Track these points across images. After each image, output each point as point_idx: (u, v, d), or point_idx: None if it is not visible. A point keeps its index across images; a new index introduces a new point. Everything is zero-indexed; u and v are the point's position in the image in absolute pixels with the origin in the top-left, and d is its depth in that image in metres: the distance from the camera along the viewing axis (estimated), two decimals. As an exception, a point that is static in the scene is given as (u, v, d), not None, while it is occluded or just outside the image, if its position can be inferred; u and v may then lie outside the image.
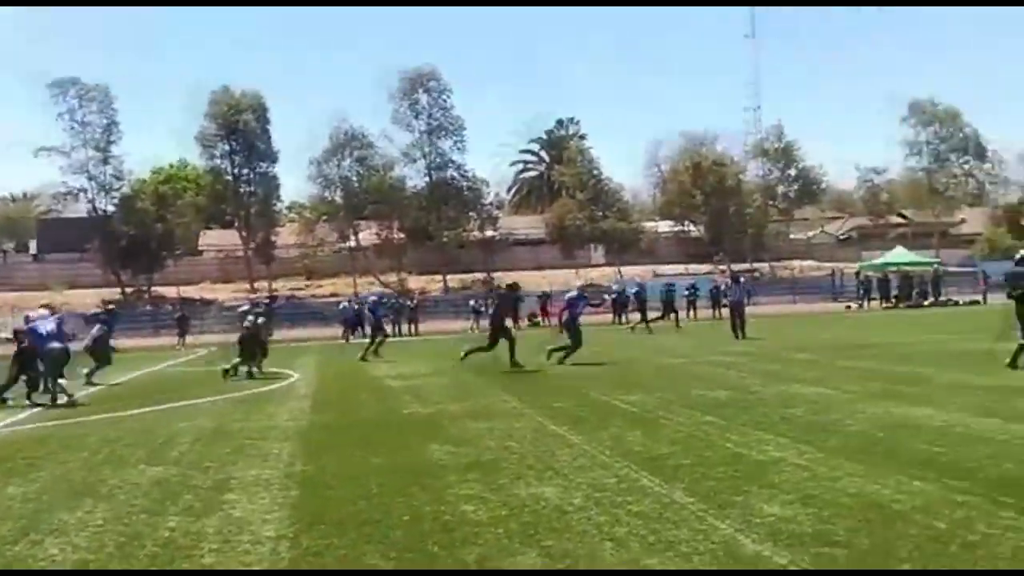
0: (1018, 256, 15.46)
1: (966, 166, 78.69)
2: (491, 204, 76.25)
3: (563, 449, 9.10)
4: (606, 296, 41.81)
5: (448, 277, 68.13)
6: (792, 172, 77.77)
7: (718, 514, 6.23)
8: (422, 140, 69.55)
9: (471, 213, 71.55)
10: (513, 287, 21.72)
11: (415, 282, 68.05)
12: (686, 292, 43.47)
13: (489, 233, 72.19)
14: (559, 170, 77.76)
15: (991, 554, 5.06)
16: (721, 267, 69.10)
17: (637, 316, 34.77)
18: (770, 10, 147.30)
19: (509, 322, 21.58)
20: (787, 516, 6.10)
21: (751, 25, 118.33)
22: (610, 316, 42.16)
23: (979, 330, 21.19)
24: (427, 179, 70.32)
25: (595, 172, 74.56)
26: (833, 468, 7.53)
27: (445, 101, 69.62)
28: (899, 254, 54.06)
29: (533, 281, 61.65)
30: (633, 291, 38.96)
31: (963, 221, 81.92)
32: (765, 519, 6.05)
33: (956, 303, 46.04)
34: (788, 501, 6.49)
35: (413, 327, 43.52)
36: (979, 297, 45.26)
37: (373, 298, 30.50)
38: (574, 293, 21.62)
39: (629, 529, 5.96)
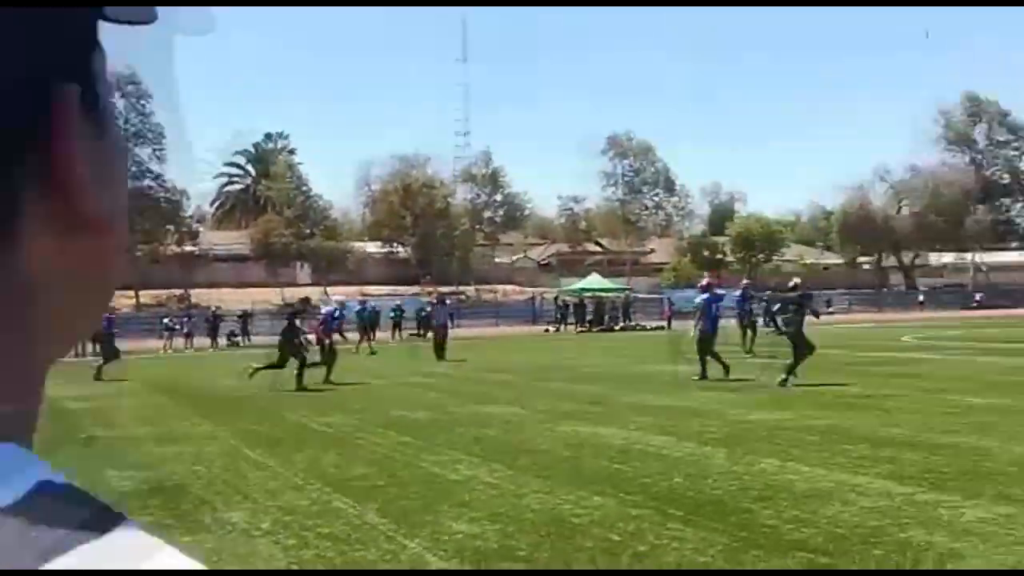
0: (791, 283, 18.02)
1: (656, 198, 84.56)
2: (191, 217, 73.36)
3: (255, 472, 8.86)
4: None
5: (141, 293, 64.58)
6: (498, 197, 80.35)
7: (408, 533, 6.27)
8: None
9: (169, 226, 68.32)
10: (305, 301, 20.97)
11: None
12: (392, 314, 43.70)
13: (188, 248, 69.32)
14: (266, 184, 76.00)
15: (658, 563, 5.39)
16: (428, 289, 70.11)
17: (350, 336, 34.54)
18: (484, 36, 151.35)
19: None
20: (474, 533, 6.23)
21: (463, 50, 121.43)
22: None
23: (660, 354, 22.69)
24: (121, 189, 66.60)
25: (303, 188, 73.54)
26: (520, 486, 7.79)
27: (144, 107, 66.16)
28: (594, 281, 56.91)
29: (235, 299, 59.91)
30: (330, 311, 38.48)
31: (652, 251, 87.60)
32: (453, 536, 6.15)
33: (644, 328, 49.03)
34: (476, 519, 6.64)
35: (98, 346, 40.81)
36: (664, 323, 48.43)
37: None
38: (331, 307, 21.10)
39: (317, 551, 5.88)
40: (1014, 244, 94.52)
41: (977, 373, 17.07)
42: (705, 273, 20.87)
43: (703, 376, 16.97)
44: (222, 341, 43.59)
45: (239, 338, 44.74)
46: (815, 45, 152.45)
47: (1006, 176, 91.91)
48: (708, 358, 17.23)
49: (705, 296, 18.07)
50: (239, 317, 46.94)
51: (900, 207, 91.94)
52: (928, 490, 7.05)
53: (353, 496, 7.54)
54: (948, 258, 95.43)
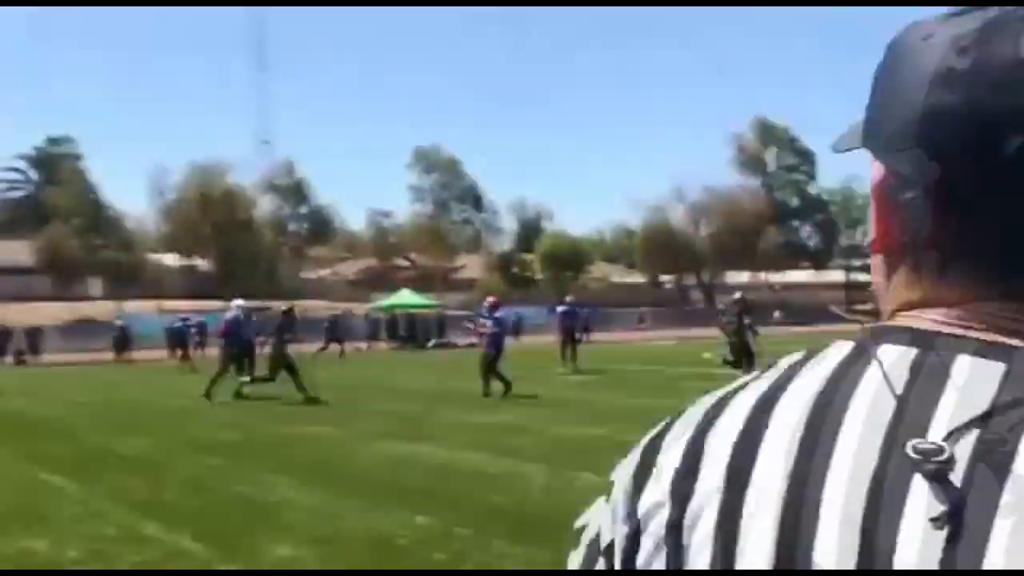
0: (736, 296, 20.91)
1: (465, 213, 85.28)
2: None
3: (54, 499, 8.33)
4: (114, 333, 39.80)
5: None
6: (304, 210, 78.98)
7: (226, 557, 6.05)
8: None
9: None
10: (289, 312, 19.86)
11: None
12: (194, 329, 42.10)
13: (-35, 259, 64.79)
14: (51, 192, 71.81)
15: (485, 582, 5.38)
16: (237, 302, 68.11)
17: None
18: (283, 43, 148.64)
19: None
20: (294, 556, 6.07)
21: (259, 58, 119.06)
22: (111, 354, 39.73)
23: (474, 371, 22.85)
24: None
25: (93, 197, 69.91)
26: (340, 507, 7.64)
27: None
28: (405, 296, 56.77)
29: (19, 316, 56.35)
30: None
31: (463, 267, 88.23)
32: (273, 560, 5.96)
33: (456, 345, 49.20)
34: (297, 542, 6.46)
35: None
36: (476, 340, 48.73)
37: None
38: (234, 314, 20.08)
39: (129, 582, 5.57)
40: (804, 264, 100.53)
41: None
42: (488, 297, 21.12)
43: (486, 394, 17.35)
44: (8, 359, 40.96)
45: (27, 356, 42.12)
46: (614, 68, 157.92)
47: (795, 199, 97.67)
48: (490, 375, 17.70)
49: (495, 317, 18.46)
50: (27, 334, 44.21)
51: (698, 227, 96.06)
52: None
53: (164, 521, 7.20)
54: (743, 277, 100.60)
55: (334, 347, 38.59)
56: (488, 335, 18.16)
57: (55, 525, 7.20)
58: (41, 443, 12.35)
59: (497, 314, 18.76)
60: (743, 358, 19.52)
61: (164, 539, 6.65)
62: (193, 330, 34.77)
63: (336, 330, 40.80)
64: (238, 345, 19.48)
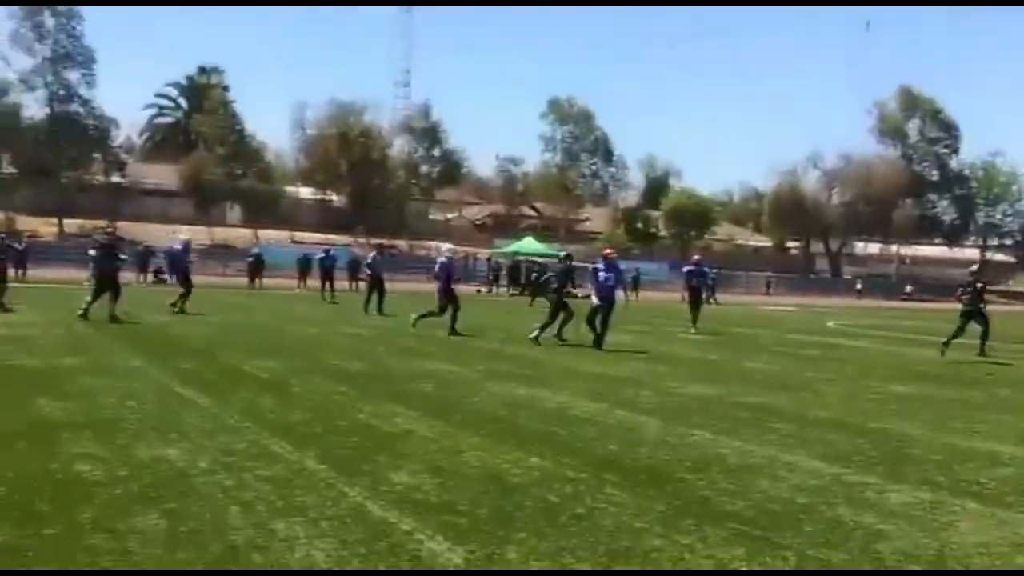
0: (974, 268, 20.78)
1: (594, 167, 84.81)
2: (120, 147, 71.54)
3: (190, 412, 8.78)
4: (249, 259, 41.16)
5: (66, 221, 62.90)
6: (436, 152, 79.79)
7: (347, 481, 6.29)
8: (44, 67, 63.47)
9: (96, 154, 66.49)
10: (568, 259, 20.29)
11: (25, 223, 62.10)
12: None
13: (116, 178, 67.60)
14: (198, 120, 74.18)
15: (595, 525, 5.50)
16: (361, 240, 69.55)
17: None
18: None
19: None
20: (414, 485, 6.28)
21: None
22: (245, 280, 41.21)
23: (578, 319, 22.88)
24: (48, 111, 64.32)
25: (237, 127, 71.97)
26: (459, 441, 7.86)
27: (75, 28, 63.94)
28: (528, 243, 57.06)
29: (162, 235, 58.66)
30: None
31: (587, 219, 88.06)
32: (393, 487, 6.20)
33: (575, 295, 49.27)
34: (415, 471, 6.69)
35: (21, 272, 39.70)
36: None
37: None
38: (444, 259, 20.04)
39: (257, 494, 5.88)
40: (937, 239, 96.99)
41: (899, 362, 17.56)
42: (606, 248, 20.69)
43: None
44: (149, 277, 42.80)
45: (166, 276, 43.94)
46: (759, 29, 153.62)
47: (935, 172, 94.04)
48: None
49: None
50: (167, 254, 46.00)
51: (831, 195, 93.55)
52: (855, 471, 7.28)
53: (291, 441, 7.54)
54: (874, 248, 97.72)
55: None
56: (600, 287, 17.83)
57: (189, 436, 7.61)
58: (179, 359, 12.99)
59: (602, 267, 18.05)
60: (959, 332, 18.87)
61: (290, 457, 6.97)
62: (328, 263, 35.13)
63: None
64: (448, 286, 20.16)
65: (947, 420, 10.26)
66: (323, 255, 35.35)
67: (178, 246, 24.82)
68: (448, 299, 19.58)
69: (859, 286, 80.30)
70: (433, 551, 4.88)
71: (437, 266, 20.49)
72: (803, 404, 11.07)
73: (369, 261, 27.50)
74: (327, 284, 33.30)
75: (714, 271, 36.99)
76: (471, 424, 8.75)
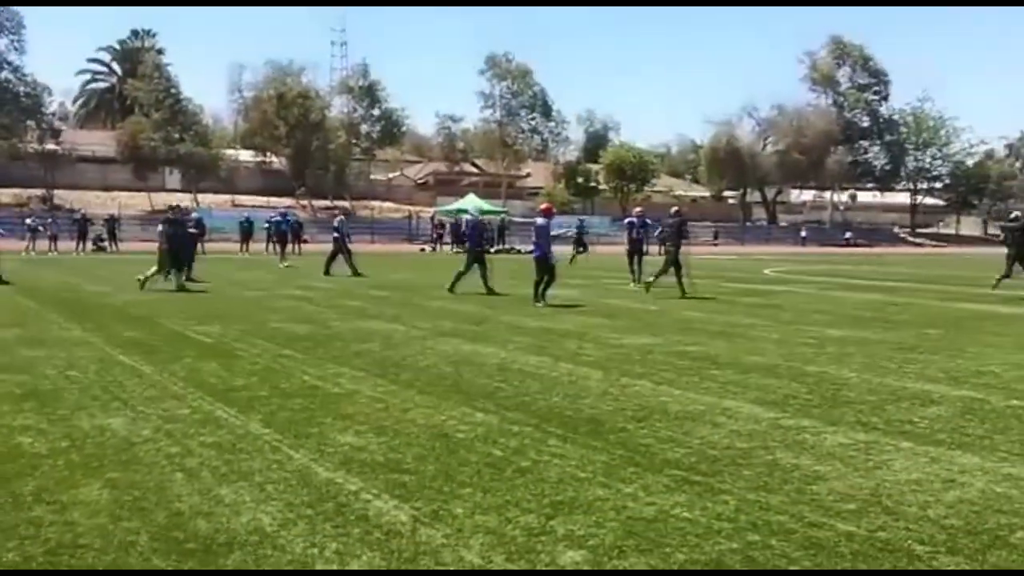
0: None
1: (533, 122, 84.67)
2: (54, 114, 69.98)
3: (132, 380, 8.73)
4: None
5: (1, 191, 61.58)
6: (376, 112, 79.07)
7: (293, 444, 6.32)
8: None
9: (30, 122, 65.06)
10: (679, 213, 20.69)
11: (-44, 194, 60.72)
12: (265, 225, 42.75)
13: (51, 146, 66.20)
14: (133, 84, 72.66)
15: (539, 478, 5.58)
16: (303, 202, 68.91)
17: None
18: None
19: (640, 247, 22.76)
20: (360, 445, 6.32)
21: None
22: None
23: (528, 276, 22.98)
24: (-22, 80, 62.85)
25: (172, 91, 70.64)
26: (404, 400, 7.90)
27: (1, -6, 62.29)
28: (471, 201, 56.96)
29: (100, 203, 57.68)
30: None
31: (528, 175, 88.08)
32: (339, 448, 6.23)
33: (518, 251, 49.43)
34: (361, 431, 6.73)
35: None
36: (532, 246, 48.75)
37: None
38: (541, 221, 18.17)
39: (202, 460, 5.88)
40: (870, 184, 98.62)
41: (834, 307, 17.89)
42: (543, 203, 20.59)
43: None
44: (88, 245, 42.10)
45: (106, 243, 43.28)
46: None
47: (865, 119, 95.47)
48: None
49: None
50: (106, 221, 45.35)
51: (765, 144, 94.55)
52: (792, 416, 7.46)
53: (235, 406, 7.54)
54: (808, 196, 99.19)
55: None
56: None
57: (132, 404, 7.56)
58: (120, 327, 12.85)
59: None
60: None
61: (235, 422, 6.96)
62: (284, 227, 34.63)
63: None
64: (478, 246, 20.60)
65: (880, 362, 10.51)
66: (279, 218, 34.95)
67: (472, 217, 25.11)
68: (475, 259, 19.71)
69: (804, 234, 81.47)
70: (380, 509, 4.93)
71: (466, 226, 20.55)
72: (741, 351, 11.26)
73: (336, 224, 27.35)
74: (282, 248, 32.92)
75: (671, 222, 36.83)
76: (416, 382, 8.80)
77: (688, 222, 21.03)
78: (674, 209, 21.58)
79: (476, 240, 20.24)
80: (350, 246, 26.70)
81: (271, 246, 32.85)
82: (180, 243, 20.51)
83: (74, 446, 6.19)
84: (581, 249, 36.39)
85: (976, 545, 4.53)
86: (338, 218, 28.41)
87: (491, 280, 19.49)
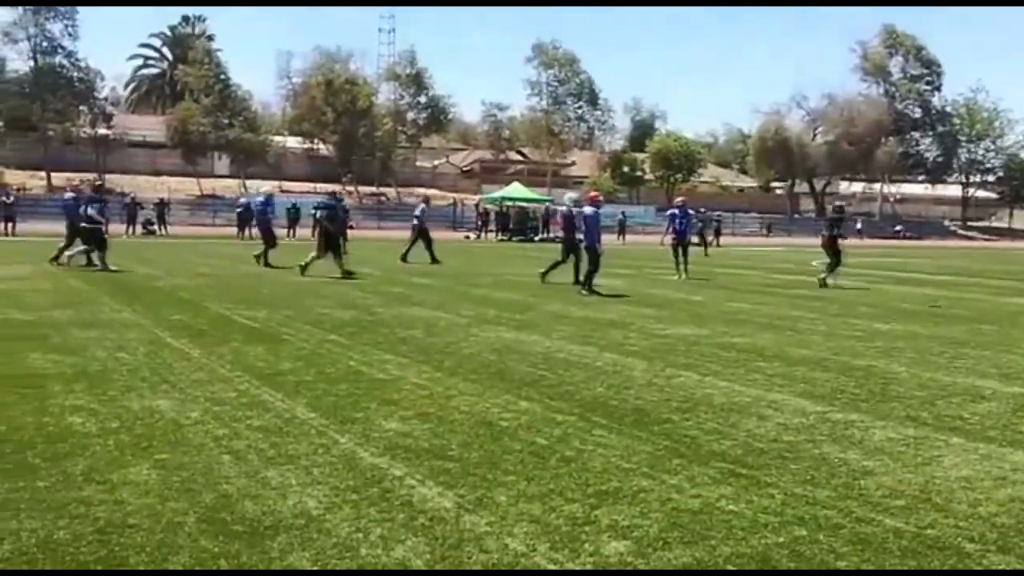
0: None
1: (579, 111, 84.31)
2: (106, 99, 70.92)
3: (180, 362, 8.82)
4: (238, 209, 41.11)
5: (53, 175, 62.62)
6: (422, 99, 79.20)
7: (339, 429, 6.35)
8: (26, 19, 62.68)
9: (82, 107, 66.03)
10: (841, 208, 22.18)
11: (12, 177, 61.75)
12: (313, 211, 43.00)
13: (102, 131, 67.13)
14: (183, 70, 73.42)
15: (583, 467, 5.57)
16: (349, 188, 69.27)
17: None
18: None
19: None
20: (405, 431, 6.34)
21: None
22: (234, 230, 41.08)
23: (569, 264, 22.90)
24: (32, 64, 63.74)
25: (222, 76, 71.29)
26: (448, 387, 7.92)
27: (58, -22, 63.13)
28: (516, 189, 56.91)
29: (150, 187, 58.37)
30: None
31: (573, 163, 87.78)
32: (384, 434, 6.26)
33: (557, 239, 49.26)
34: (406, 417, 6.75)
35: (9, 226, 39.57)
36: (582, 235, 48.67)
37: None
38: (590, 210, 18.02)
39: (249, 443, 5.93)
40: (920, 177, 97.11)
41: (882, 300, 17.67)
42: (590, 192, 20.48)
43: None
44: (138, 229, 42.64)
45: (155, 227, 43.80)
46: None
47: (917, 110, 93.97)
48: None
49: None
50: (156, 205, 45.89)
51: (815, 134, 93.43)
52: (840, 409, 7.37)
53: (282, 390, 7.59)
54: (857, 187, 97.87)
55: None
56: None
57: (180, 387, 7.65)
58: (168, 310, 13.00)
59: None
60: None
61: (281, 406, 7.02)
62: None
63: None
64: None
65: (930, 357, 10.36)
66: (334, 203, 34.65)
67: (260, 199, 24.85)
68: (570, 250, 19.16)
69: (859, 226, 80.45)
70: (424, 496, 4.95)
71: (559, 216, 20.41)
72: (788, 343, 11.16)
73: (417, 213, 27.48)
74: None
75: (717, 214, 36.32)
76: (460, 370, 8.81)
77: (847, 217, 21.58)
78: (837, 203, 22.77)
79: (570, 230, 19.32)
80: (431, 234, 26.85)
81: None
82: (338, 228, 20.58)
83: (124, 427, 6.27)
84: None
85: (1029, 544, 4.45)
86: (420, 206, 28.55)
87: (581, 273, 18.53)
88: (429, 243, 25.92)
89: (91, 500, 4.74)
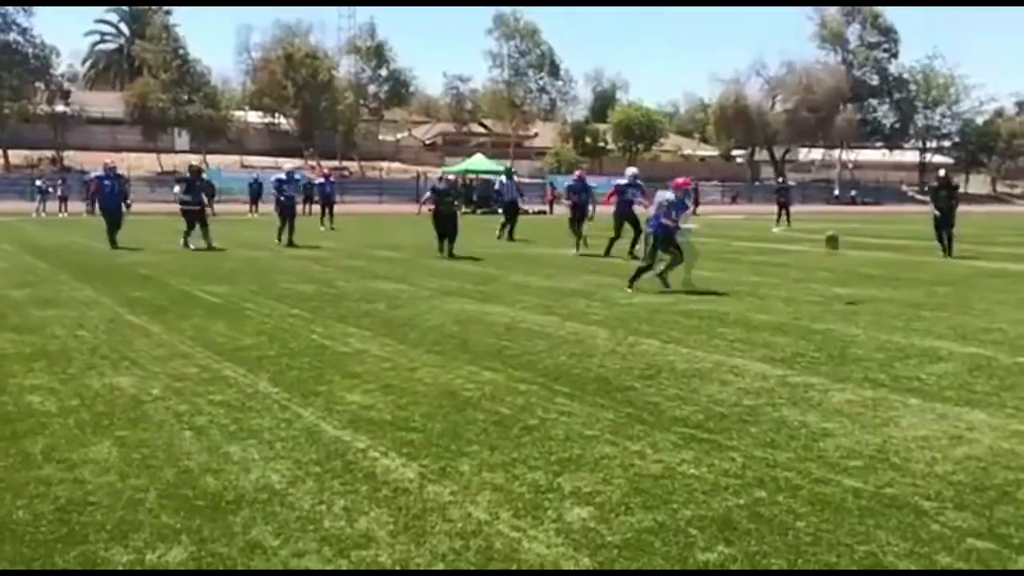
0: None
1: (541, 82, 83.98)
2: (63, 76, 69.75)
3: (141, 339, 8.76)
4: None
5: (10, 153, 61.61)
6: (384, 72, 78.56)
7: (302, 403, 6.34)
8: (-22, -3, 61.50)
9: (39, 84, 64.94)
10: (947, 177, 21.64)
11: (-32, 156, 60.72)
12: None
13: (60, 108, 66.07)
14: (141, 46, 72.24)
15: (546, 436, 5.60)
16: (311, 163, 68.69)
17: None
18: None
19: None
20: (368, 404, 6.34)
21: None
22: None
23: (542, 236, 22.97)
24: (-14, 42, 62.60)
25: (181, 52, 70.24)
26: (411, 359, 7.92)
27: (9, -46, 61.89)
28: (478, 161, 56.71)
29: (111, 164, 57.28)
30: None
31: (536, 135, 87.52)
32: (347, 407, 6.26)
33: (526, 211, 49.23)
34: (369, 390, 6.75)
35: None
36: (546, 207, 48.76)
37: None
38: (623, 180, 18.90)
39: (210, 418, 5.91)
40: (878, 143, 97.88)
41: (841, 265, 17.83)
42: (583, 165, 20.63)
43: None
44: (98, 206, 41.98)
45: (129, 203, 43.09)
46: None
47: (875, 77, 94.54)
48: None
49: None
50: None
51: (774, 102, 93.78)
52: (800, 373, 7.46)
53: (244, 365, 7.57)
54: (816, 154, 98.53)
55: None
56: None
57: (140, 363, 7.60)
58: (129, 287, 12.88)
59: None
60: None
61: (243, 381, 7.00)
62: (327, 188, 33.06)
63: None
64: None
65: (887, 320, 10.49)
66: (322, 181, 33.26)
67: (281, 175, 23.29)
68: (627, 221, 19.04)
69: (836, 192, 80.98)
70: (387, 467, 4.96)
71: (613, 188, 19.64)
72: (749, 309, 11.25)
73: (497, 187, 26.98)
74: (326, 211, 30.88)
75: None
76: (423, 342, 8.81)
77: (954, 186, 21.06)
78: (941, 172, 22.33)
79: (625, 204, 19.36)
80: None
81: (325, 209, 31.11)
82: (447, 212, 19.92)
83: (84, 405, 6.23)
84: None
85: (983, 501, 4.53)
86: (500, 179, 28.21)
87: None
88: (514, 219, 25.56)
89: (50, 479, 4.71)
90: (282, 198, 22.02)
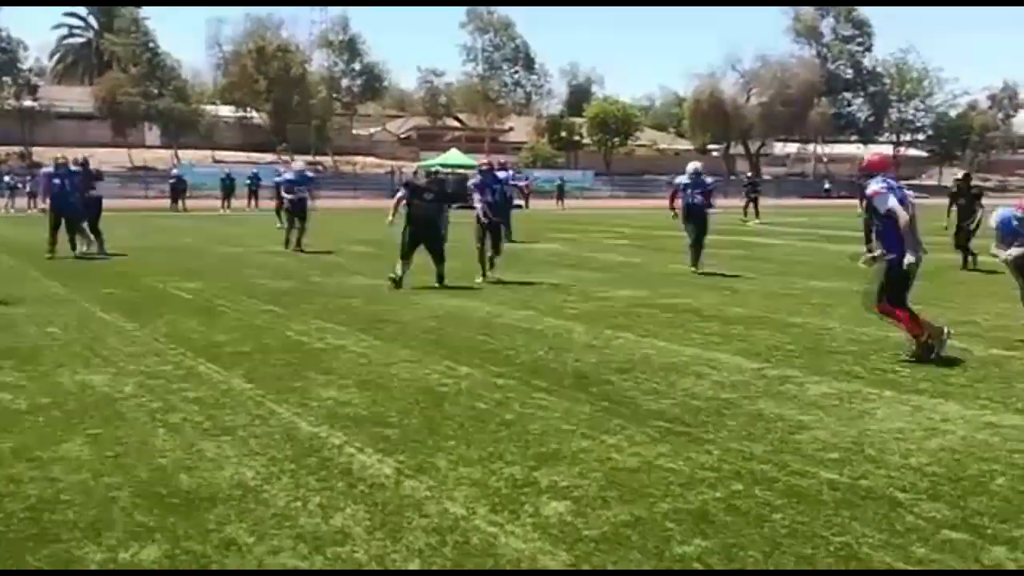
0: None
1: (516, 76, 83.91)
2: (30, 70, 69.00)
3: (113, 336, 8.67)
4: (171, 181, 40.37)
5: (-23, 149, 61.04)
6: (357, 66, 78.24)
7: (276, 399, 6.30)
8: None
9: (5, 78, 64.27)
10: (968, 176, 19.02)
11: (-66, 152, 60.00)
12: (247, 181, 42.23)
13: (28, 103, 65.39)
14: (110, 39, 71.55)
15: (523, 430, 5.59)
16: (285, 158, 68.29)
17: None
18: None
19: None
20: (343, 400, 6.31)
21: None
22: (167, 202, 40.33)
23: (518, 232, 22.90)
24: (-49, 36, 61.94)
25: (150, 45, 69.63)
26: (388, 355, 7.89)
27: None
28: (453, 156, 56.60)
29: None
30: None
31: (511, 129, 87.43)
32: (323, 403, 6.22)
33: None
34: (345, 386, 6.71)
35: None
36: (522, 202, 48.71)
37: None
38: (684, 179, 15.71)
39: (184, 415, 5.86)
40: (853, 137, 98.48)
41: (817, 258, 17.93)
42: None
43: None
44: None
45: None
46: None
47: (849, 70, 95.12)
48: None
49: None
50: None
51: (749, 96, 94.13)
52: (776, 366, 7.48)
53: (218, 362, 7.51)
54: (792, 148, 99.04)
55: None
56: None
57: (113, 361, 7.52)
58: (102, 284, 12.75)
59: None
60: None
61: (218, 378, 6.94)
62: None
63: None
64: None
65: (864, 313, 10.52)
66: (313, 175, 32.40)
67: (289, 175, 21.47)
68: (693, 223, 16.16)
69: (827, 186, 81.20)
70: (363, 463, 4.93)
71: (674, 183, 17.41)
72: (726, 303, 11.28)
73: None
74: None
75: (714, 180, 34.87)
76: (400, 337, 8.78)
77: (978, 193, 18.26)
78: (960, 173, 19.76)
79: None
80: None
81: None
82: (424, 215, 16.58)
83: (55, 403, 6.16)
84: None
85: (957, 492, 4.56)
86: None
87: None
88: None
89: (21, 478, 4.65)
90: (290, 198, 20.33)
